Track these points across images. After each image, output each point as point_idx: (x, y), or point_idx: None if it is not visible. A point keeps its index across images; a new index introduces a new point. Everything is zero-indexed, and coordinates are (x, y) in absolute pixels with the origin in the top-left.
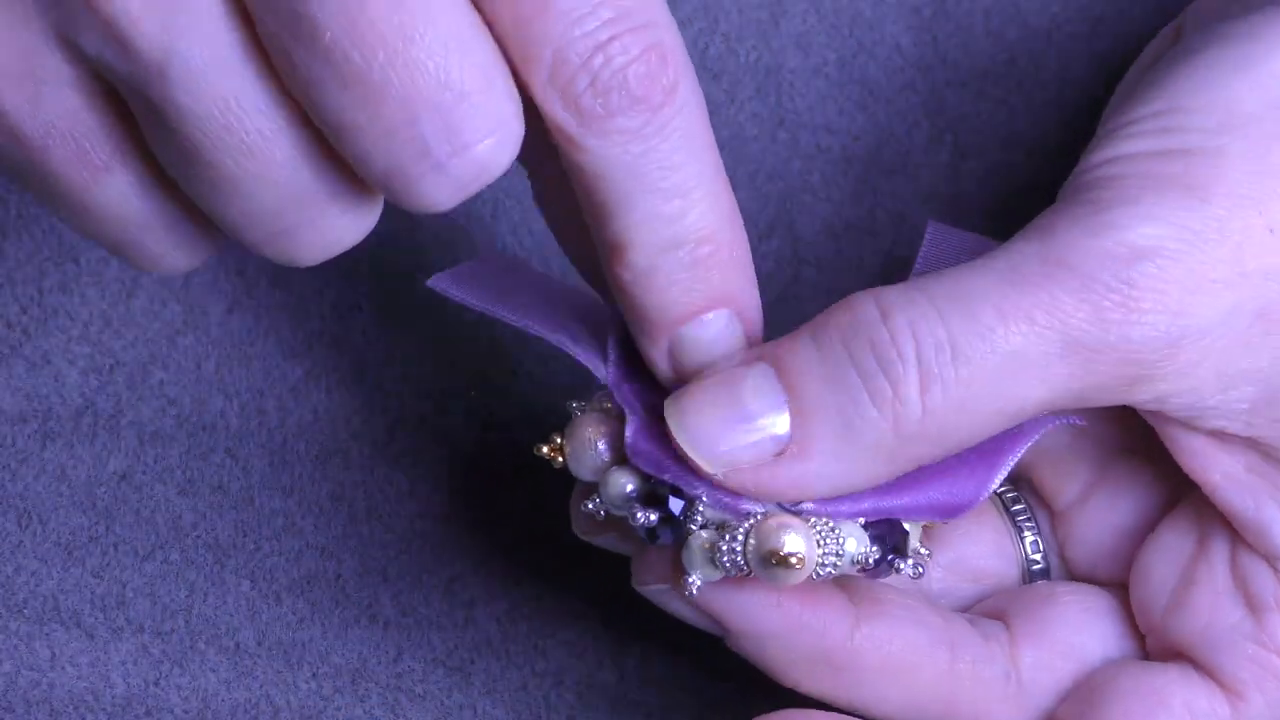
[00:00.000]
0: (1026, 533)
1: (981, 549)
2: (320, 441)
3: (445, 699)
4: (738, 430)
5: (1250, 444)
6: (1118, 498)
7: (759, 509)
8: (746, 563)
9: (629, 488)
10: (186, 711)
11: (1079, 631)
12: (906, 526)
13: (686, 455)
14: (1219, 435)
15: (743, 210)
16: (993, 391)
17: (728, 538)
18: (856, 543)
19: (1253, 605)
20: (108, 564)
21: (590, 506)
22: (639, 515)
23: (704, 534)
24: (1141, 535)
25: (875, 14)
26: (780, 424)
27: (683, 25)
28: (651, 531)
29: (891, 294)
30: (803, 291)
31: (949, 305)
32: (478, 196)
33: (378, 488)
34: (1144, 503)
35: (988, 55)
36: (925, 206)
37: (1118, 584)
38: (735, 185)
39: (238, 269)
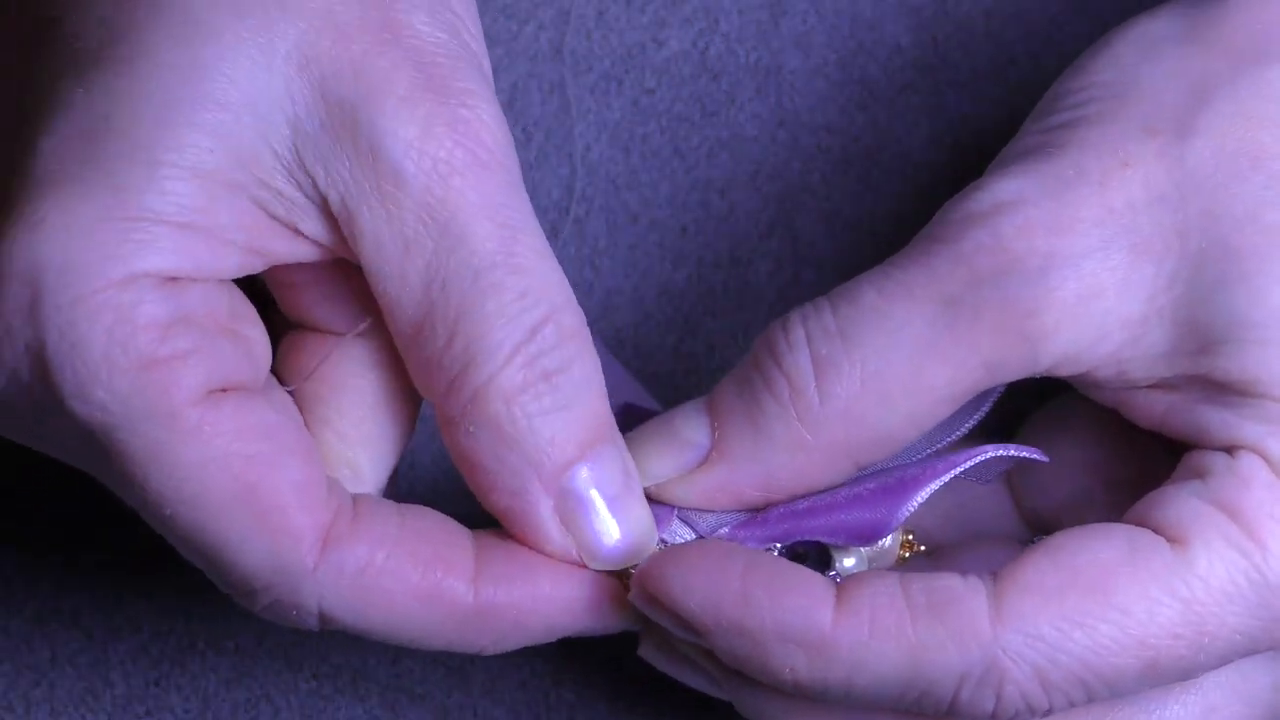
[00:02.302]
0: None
1: (981, 504)
2: None
3: (445, 699)
4: (661, 444)
5: (1189, 380)
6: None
7: (675, 540)
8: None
9: None
10: (186, 711)
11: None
12: (850, 560)
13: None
14: (1156, 384)
15: (743, 210)
16: (890, 370)
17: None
18: None
19: (1200, 472)
20: (108, 564)
21: None
22: None
23: None
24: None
25: (875, 14)
26: (703, 438)
27: (683, 25)
28: None
29: (800, 305)
30: (803, 292)
31: (840, 298)
32: None
33: None
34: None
35: (988, 55)
36: (925, 206)
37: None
38: (735, 185)
39: None
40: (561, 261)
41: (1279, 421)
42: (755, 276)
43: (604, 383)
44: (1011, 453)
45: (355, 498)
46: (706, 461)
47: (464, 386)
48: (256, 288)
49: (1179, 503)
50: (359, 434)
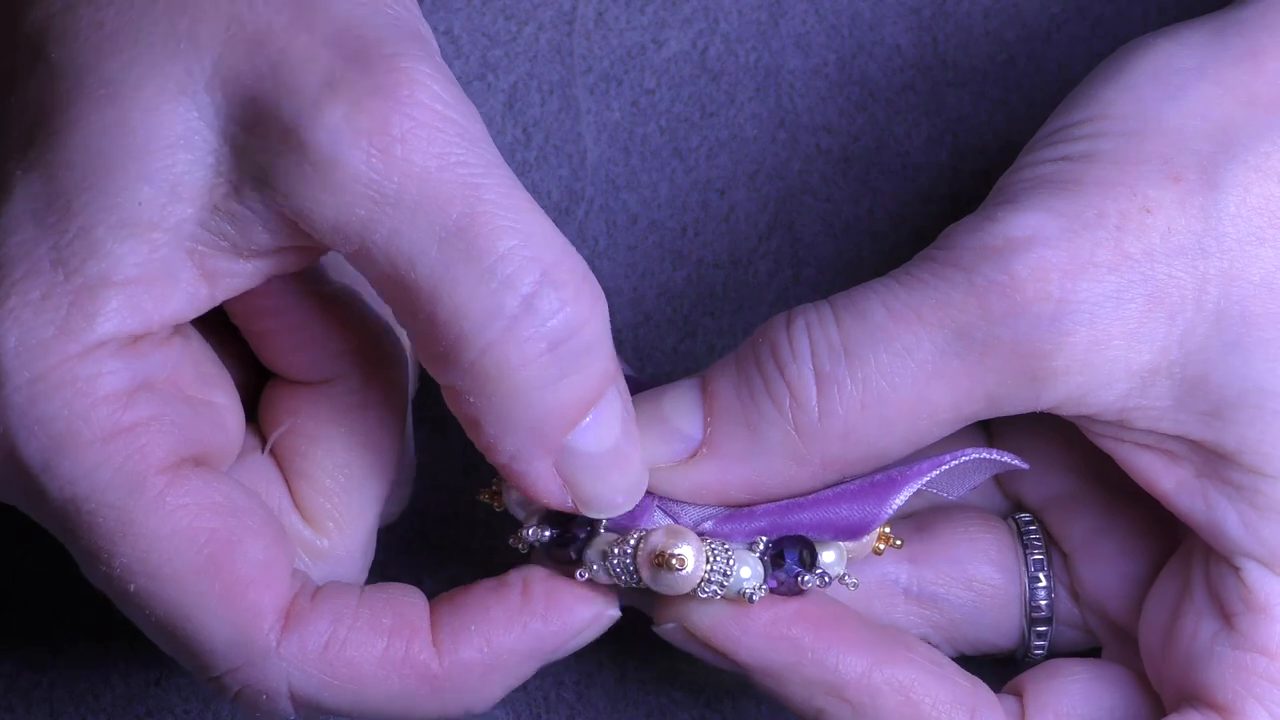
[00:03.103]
0: (1034, 552)
1: (984, 558)
2: None
3: None
4: (655, 435)
5: (1192, 446)
6: (1123, 543)
7: (656, 527)
8: (635, 568)
9: (546, 532)
10: (187, 711)
11: (1089, 700)
12: (830, 555)
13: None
14: (1159, 444)
15: (743, 211)
16: (892, 391)
17: (620, 542)
18: (750, 572)
19: (1226, 614)
20: None
21: (511, 541)
22: (531, 531)
23: (607, 535)
24: (1148, 582)
25: (875, 15)
26: (693, 425)
27: (683, 25)
28: (549, 548)
29: (802, 306)
30: (803, 292)
31: (845, 310)
32: None
33: None
34: (1149, 549)
35: (988, 55)
36: (925, 206)
37: (1129, 628)
38: (735, 186)
39: None
40: None
41: None
42: (755, 276)
43: (609, 328)
44: (994, 457)
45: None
46: (696, 455)
47: (457, 361)
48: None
49: (1218, 664)
50: (335, 484)
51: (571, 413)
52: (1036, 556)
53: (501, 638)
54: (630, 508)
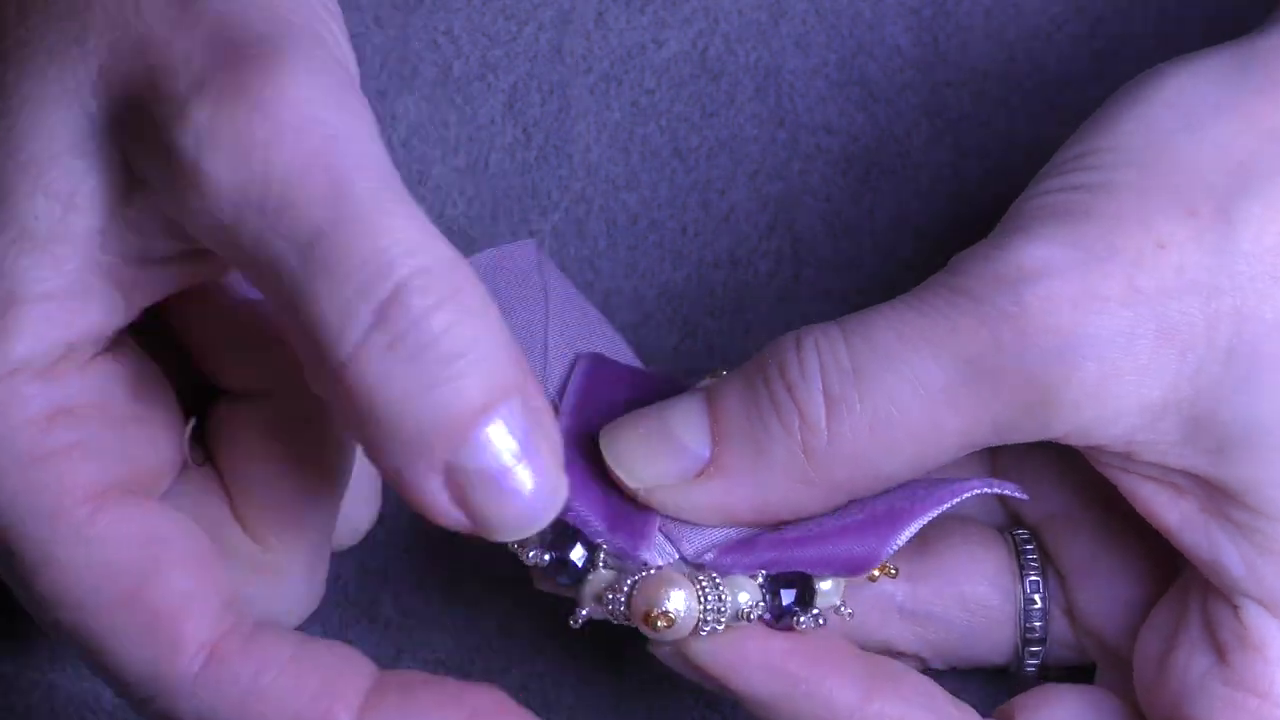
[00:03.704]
0: (1030, 573)
1: (980, 579)
2: None
3: None
4: (658, 448)
5: (1197, 482)
6: (1121, 567)
7: (656, 561)
8: (628, 616)
9: (546, 555)
10: None
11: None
12: (827, 585)
13: (613, 473)
14: (1165, 478)
15: (743, 210)
16: (901, 415)
17: (615, 587)
18: (749, 596)
19: (1220, 650)
20: None
21: (514, 545)
22: (531, 554)
23: (604, 574)
24: (1144, 607)
25: (875, 14)
26: (701, 443)
27: (683, 25)
28: (548, 571)
29: (810, 327)
30: (803, 291)
31: (855, 333)
32: (478, 197)
33: None
34: (1147, 575)
35: (988, 55)
36: (925, 206)
37: (1124, 651)
38: (735, 186)
39: None
40: (562, 262)
41: None
42: (755, 276)
43: (505, 330)
44: (994, 490)
45: (259, 624)
46: (703, 474)
47: (322, 376)
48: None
49: (1208, 699)
50: (276, 497)
51: (451, 426)
52: (1033, 578)
53: None
54: (541, 527)
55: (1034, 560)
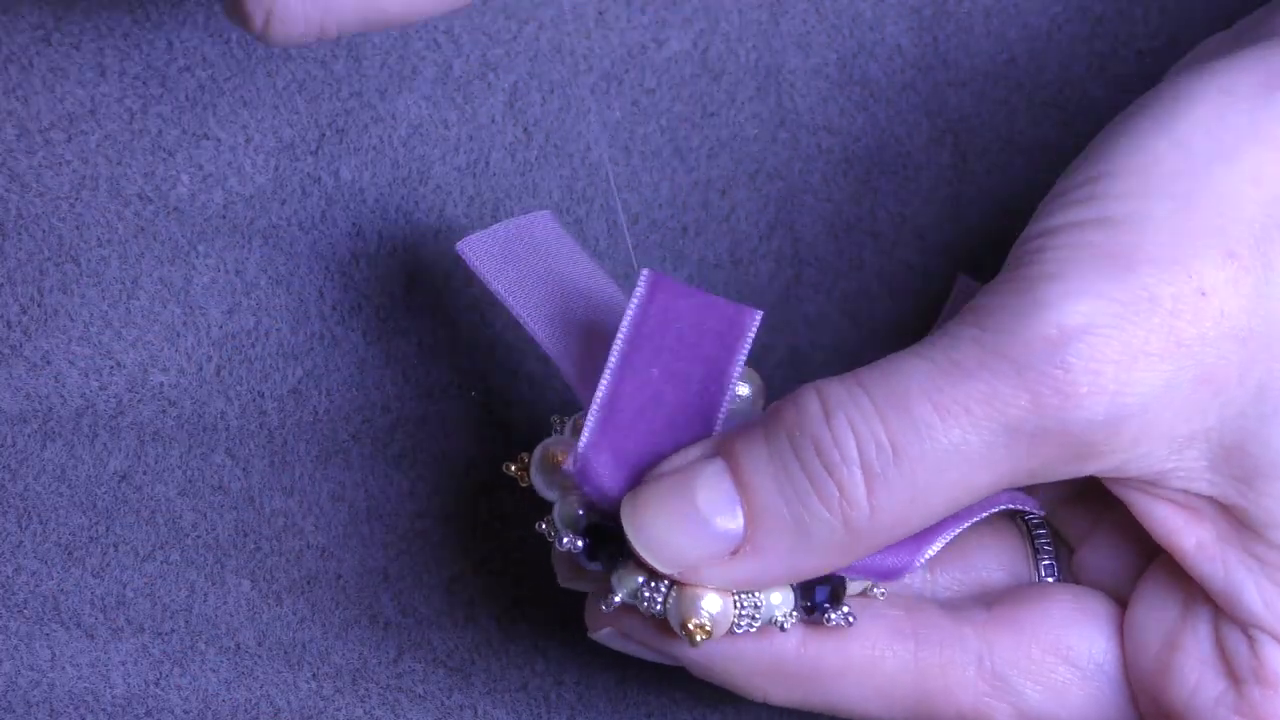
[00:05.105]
0: (1044, 557)
1: (994, 564)
2: (320, 442)
3: (445, 699)
4: (691, 532)
5: (1219, 509)
6: (1128, 533)
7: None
8: (665, 615)
9: (580, 512)
10: (186, 712)
11: (1064, 627)
12: (856, 585)
13: (641, 557)
14: (1186, 502)
15: (743, 210)
16: (939, 484)
17: (652, 585)
18: (781, 599)
19: (1233, 676)
20: (108, 564)
21: (543, 526)
22: (564, 540)
23: (637, 568)
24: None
25: (875, 14)
26: (734, 523)
27: (683, 25)
28: (580, 557)
29: (834, 389)
30: (803, 291)
31: (888, 403)
32: (478, 196)
33: (378, 488)
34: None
35: (988, 55)
36: (925, 206)
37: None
38: (735, 185)
39: (237, 269)
40: None
41: None
42: (756, 276)
43: None
44: (1018, 507)
45: None
46: (739, 552)
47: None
48: None
49: (1212, 718)
50: None
51: None
52: (1046, 562)
53: None
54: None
55: (1048, 545)
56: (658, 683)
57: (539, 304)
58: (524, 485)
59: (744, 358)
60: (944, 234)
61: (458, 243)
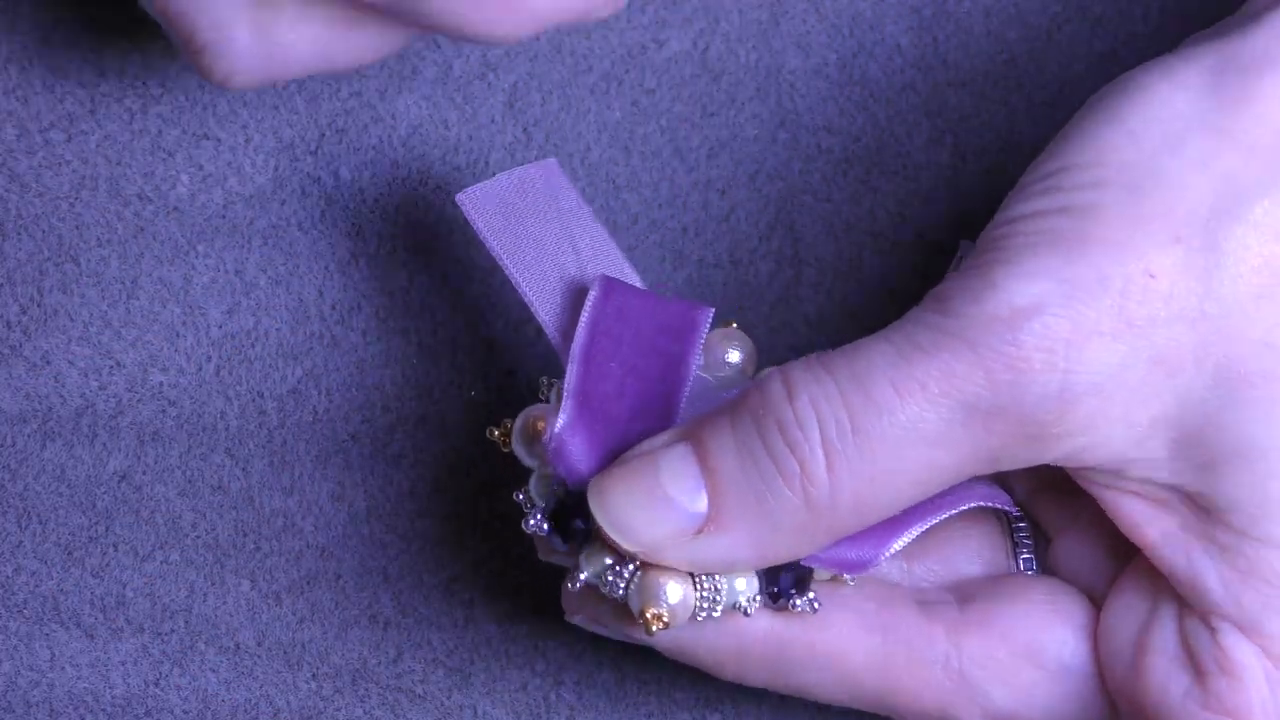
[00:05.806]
0: (1023, 550)
1: (973, 555)
2: (320, 442)
3: (445, 699)
4: (656, 512)
5: (1183, 499)
6: (1105, 525)
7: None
8: (626, 600)
9: (554, 486)
10: (186, 712)
11: (1036, 628)
12: (824, 574)
13: (606, 536)
14: (1151, 494)
15: (743, 211)
16: (899, 464)
17: (616, 569)
18: (745, 584)
19: (1199, 670)
20: (108, 564)
21: (520, 497)
22: (531, 522)
23: (603, 557)
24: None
25: (875, 14)
26: (698, 503)
27: (683, 25)
28: (549, 539)
29: (797, 371)
30: (803, 292)
31: (848, 382)
32: None
33: (378, 488)
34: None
35: (988, 55)
36: (925, 206)
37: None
38: (735, 186)
39: (237, 269)
40: None
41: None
42: (755, 276)
43: None
44: (988, 505)
45: None
46: (703, 530)
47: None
48: None
49: (1181, 714)
50: None
51: None
52: (1025, 555)
53: None
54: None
55: (1027, 539)
56: (658, 683)
57: (532, 264)
58: (505, 450)
59: (699, 351)
60: (944, 234)
61: (457, 194)
